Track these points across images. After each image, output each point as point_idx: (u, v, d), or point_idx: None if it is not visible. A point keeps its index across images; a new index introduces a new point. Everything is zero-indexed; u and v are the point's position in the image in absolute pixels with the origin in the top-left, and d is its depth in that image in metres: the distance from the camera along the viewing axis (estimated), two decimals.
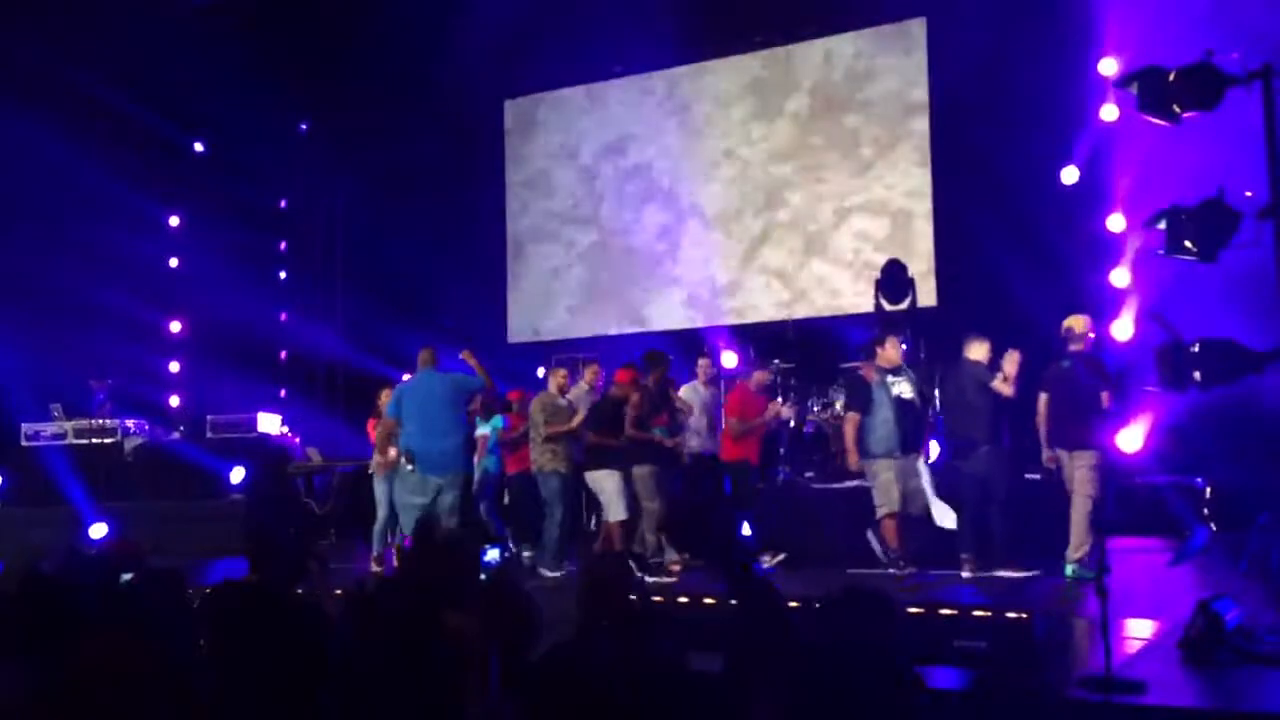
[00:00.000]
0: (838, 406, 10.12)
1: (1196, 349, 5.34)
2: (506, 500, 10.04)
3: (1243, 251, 5.70)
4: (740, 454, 8.84)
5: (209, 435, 11.90)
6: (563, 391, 8.94)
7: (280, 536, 5.62)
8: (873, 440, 7.85)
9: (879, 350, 8.14)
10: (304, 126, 14.23)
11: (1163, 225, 5.70)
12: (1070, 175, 10.28)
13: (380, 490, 9.15)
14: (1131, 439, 8.66)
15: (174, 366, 13.24)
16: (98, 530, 9.77)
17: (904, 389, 8.04)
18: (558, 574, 8.29)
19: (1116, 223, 9.92)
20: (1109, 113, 10.03)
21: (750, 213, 12.76)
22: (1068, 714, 4.60)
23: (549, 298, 13.68)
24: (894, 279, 10.39)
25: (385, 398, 9.12)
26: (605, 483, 8.44)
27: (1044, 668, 5.03)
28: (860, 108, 12.30)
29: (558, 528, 8.55)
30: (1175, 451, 7.81)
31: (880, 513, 7.70)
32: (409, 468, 8.09)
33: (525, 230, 13.97)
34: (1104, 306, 9.57)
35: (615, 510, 8.46)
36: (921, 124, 12.00)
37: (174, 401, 12.19)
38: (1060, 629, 5.60)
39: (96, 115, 12.23)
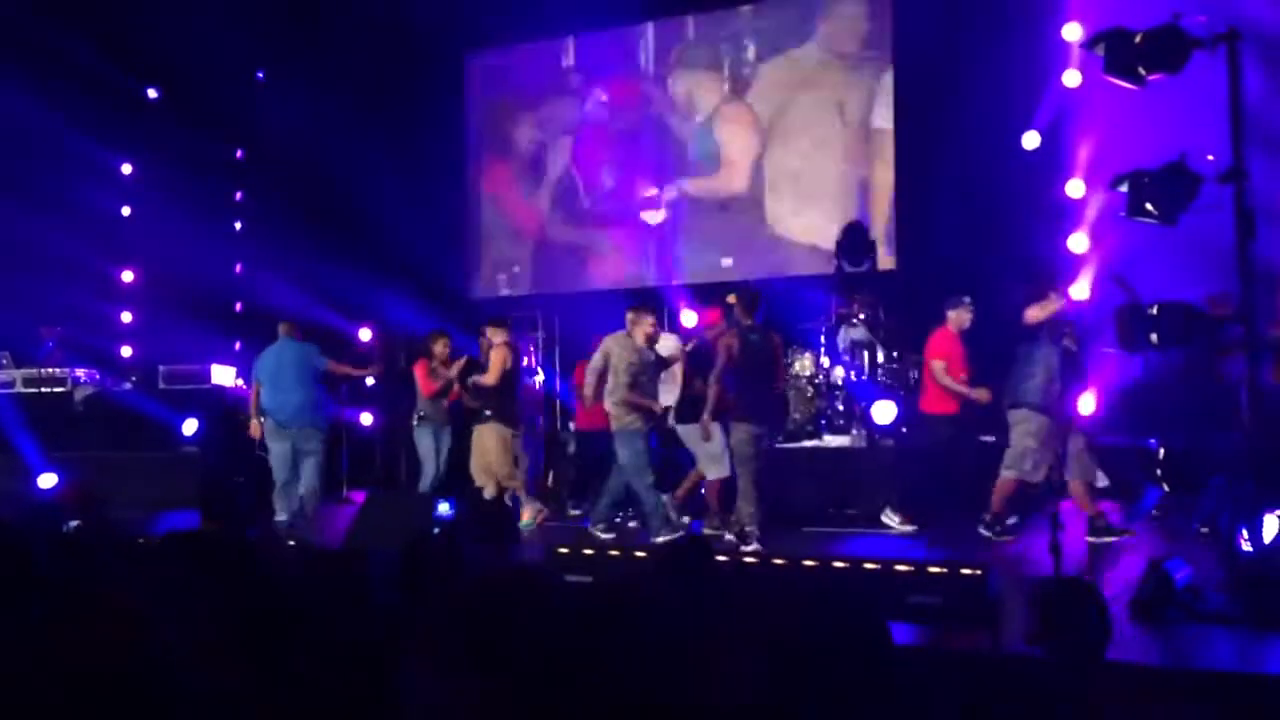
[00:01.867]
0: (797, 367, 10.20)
1: (1154, 311, 5.39)
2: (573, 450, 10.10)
3: (1203, 216, 5.76)
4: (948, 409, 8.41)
5: (161, 386, 11.73)
6: (650, 341, 8.36)
7: (233, 487, 5.61)
8: None
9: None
10: (261, 75, 13.98)
11: (1125, 188, 5.73)
12: (1031, 140, 10.31)
13: (426, 445, 9.53)
14: (1087, 401, 8.77)
15: (126, 316, 13.02)
16: (47, 480, 9.62)
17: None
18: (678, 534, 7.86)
19: (1076, 188, 9.97)
20: (1071, 78, 10.06)
21: (708, 171, 12.71)
22: (1019, 669, 4.66)
23: (510, 255, 13.59)
24: (854, 241, 10.42)
25: (440, 346, 9.56)
26: (706, 437, 7.95)
27: (997, 624, 5.08)
28: (821, 69, 12.25)
29: (653, 492, 8.05)
30: (1129, 413, 7.91)
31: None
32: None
33: (486, 185, 13.86)
34: (1062, 271, 9.65)
35: (718, 467, 8.16)
36: (885, 87, 11.98)
37: (126, 352, 11.99)
38: (1015, 586, 5.67)
39: (47, 60, 11.93)
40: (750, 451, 7.61)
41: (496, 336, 9.31)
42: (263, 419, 9.03)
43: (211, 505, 5.13)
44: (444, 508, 7.62)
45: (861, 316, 9.95)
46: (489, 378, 9.10)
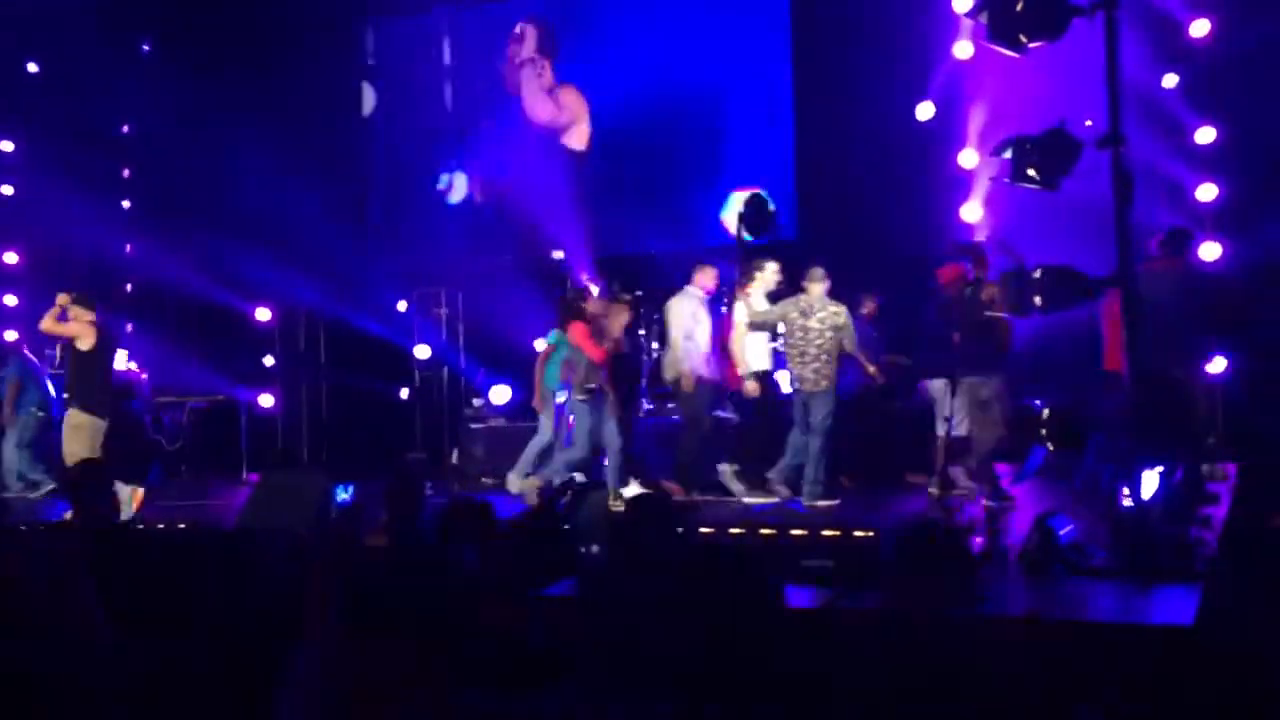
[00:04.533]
0: None
1: (1038, 275, 5.51)
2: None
3: (1082, 180, 5.90)
4: None
5: (50, 371, 11.36)
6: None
7: (101, 475, 5.42)
8: None
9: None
10: (146, 47, 13.56)
11: (1008, 154, 5.84)
12: (925, 111, 10.45)
13: (585, 423, 8.77)
14: None
15: (11, 300, 12.59)
16: None
17: None
18: (834, 501, 7.89)
19: (969, 158, 10.16)
20: (963, 50, 10.22)
21: (617, 144, 12.64)
22: (909, 627, 4.75)
23: (412, 230, 13.38)
24: (755, 212, 10.47)
25: (593, 304, 9.05)
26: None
27: (888, 585, 5.17)
28: (718, 38, 12.25)
29: (825, 454, 8.02)
30: (1016, 375, 8.11)
31: None
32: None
33: (384, 159, 13.62)
34: (956, 240, 9.83)
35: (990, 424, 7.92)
36: (781, 59, 12.03)
37: (10, 336, 11.57)
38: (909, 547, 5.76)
39: None
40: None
41: (602, 306, 9.01)
42: None
43: (82, 494, 4.97)
44: (343, 493, 7.52)
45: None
46: (600, 352, 8.60)
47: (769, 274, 8.63)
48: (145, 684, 2.73)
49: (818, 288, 8.28)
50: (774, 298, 8.77)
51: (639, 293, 10.74)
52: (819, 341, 8.06)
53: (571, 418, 8.65)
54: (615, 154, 12.53)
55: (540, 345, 11.58)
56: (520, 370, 11.46)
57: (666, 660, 2.13)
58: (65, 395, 8.78)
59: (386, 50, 13.75)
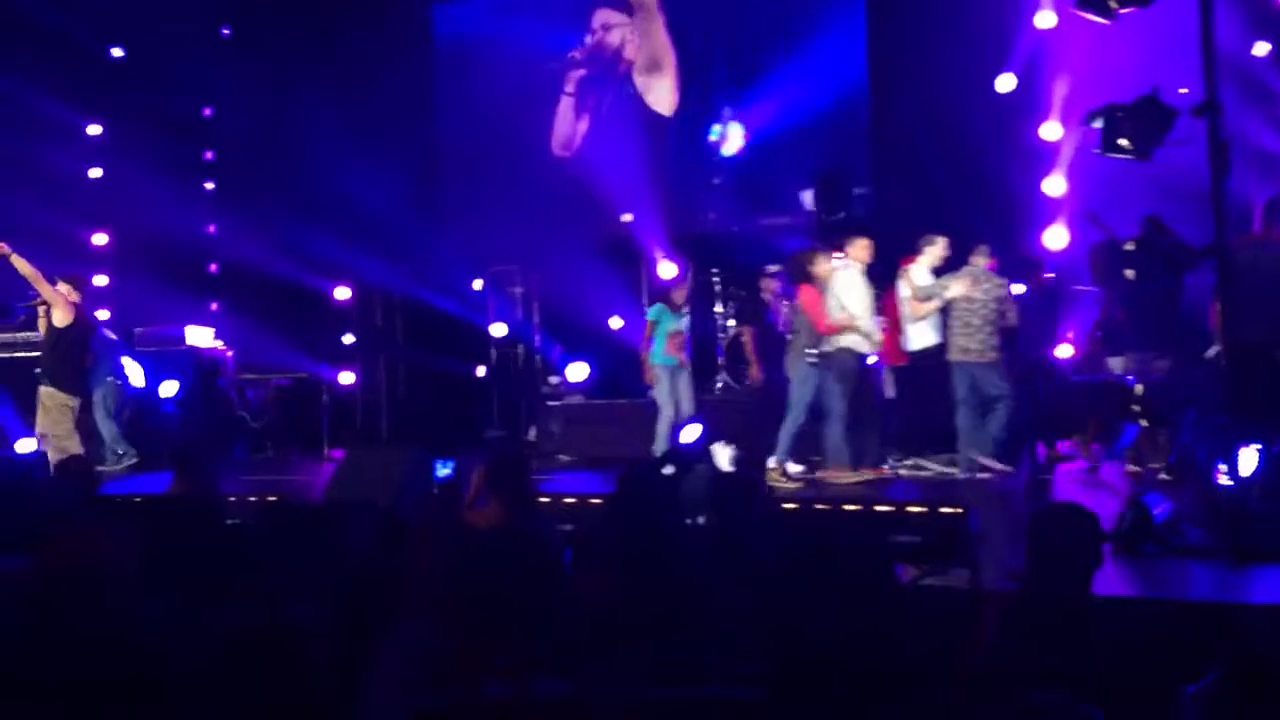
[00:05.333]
0: None
1: (1130, 247, 5.40)
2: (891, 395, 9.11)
3: (1176, 150, 5.77)
4: None
5: (137, 349, 11.64)
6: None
7: (204, 449, 5.58)
8: None
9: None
10: (226, 31, 13.77)
11: (1099, 124, 5.72)
12: (1006, 83, 10.27)
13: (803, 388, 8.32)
14: (1065, 346, 8.87)
15: (100, 280, 12.90)
16: (25, 445, 9.56)
17: None
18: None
19: (1051, 130, 9.97)
20: (1045, 19, 10.02)
21: (692, 118, 12.58)
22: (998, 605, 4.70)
23: (484, 214, 13.44)
24: (830, 188, 10.41)
25: (821, 265, 8.38)
26: None
27: (978, 561, 5.13)
28: (795, 12, 12.13)
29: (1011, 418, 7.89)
30: (1106, 350, 7.97)
31: None
32: None
33: (456, 141, 13.69)
34: (1037, 215, 9.68)
35: None
36: (857, 33, 11.88)
37: (103, 315, 11.86)
38: (996, 524, 5.71)
39: (7, 23, 11.71)
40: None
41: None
42: None
43: (185, 466, 5.13)
44: (444, 469, 7.59)
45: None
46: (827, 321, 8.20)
47: (938, 249, 8.53)
48: (240, 656, 2.78)
49: (982, 260, 8.28)
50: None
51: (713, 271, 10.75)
52: (983, 312, 8.02)
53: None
54: (692, 124, 12.48)
55: (617, 323, 11.66)
56: (597, 347, 11.52)
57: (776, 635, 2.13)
58: (38, 370, 8.90)
59: (457, 25, 13.80)
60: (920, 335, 8.57)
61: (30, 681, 2.57)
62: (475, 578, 3.13)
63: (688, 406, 8.98)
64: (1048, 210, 9.65)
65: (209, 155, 13.95)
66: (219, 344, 11.96)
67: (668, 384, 9.01)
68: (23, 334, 11.18)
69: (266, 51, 12.82)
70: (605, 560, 2.92)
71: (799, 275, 8.27)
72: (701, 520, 3.15)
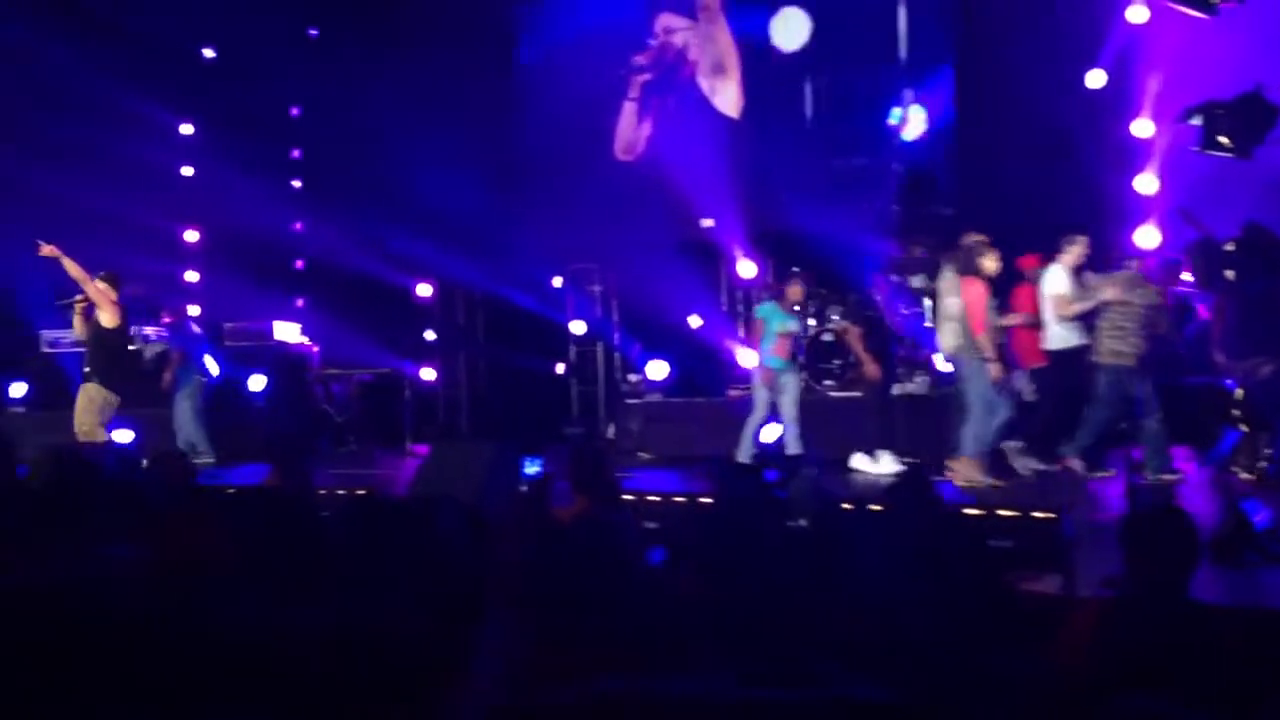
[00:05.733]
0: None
1: (1230, 247, 5.27)
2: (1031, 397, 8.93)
3: (1276, 149, 5.62)
4: None
5: (225, 343, 11.90)
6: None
7: (299, 443, 5.70)
8: None
9: None
10: (313, 33, 14.01)
11: (1197, 121, 5.59)
12: (1096, 79, 10.08)
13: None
14: None
15: (191, 275, 13.22)
16: (122, 435, 9.81)
17: None
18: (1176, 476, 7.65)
19: (1142, 127, 9.77)
20: (1137, 14, 9.82)
21: (774, 115, 12.50)
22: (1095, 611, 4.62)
23: (563, 213, 13.49)
24: (914, 184, 10.32)
25: (991, 261, 8.13)
26: None
27: (1073, 567, 5.04)
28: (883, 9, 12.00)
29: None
30: (1204, 353, 7.78)
31: None
32: None
33: (536, 140, 13.75)
34: (1128, 213, 9.49)
35: None
36: (943, 24, 11.72)
37: (193, 310, 12.15)
38: (1090, 529, 5.61)
39: (105, 24, 12.04)
40: None
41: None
42: None
43: (280, 459, 5.25)
44: (532, 467, 7.64)
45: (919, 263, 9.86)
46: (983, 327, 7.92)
47: (1079, 248, 8.40)
48: (333, 651, 2.81)
49: (1136, 261, 8.17)
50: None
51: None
52: (1137, 317, 7.88)
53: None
54: (765, 124, 12.40)
55: (695, 322, 11.64)
56: (675, 346, 11.52)
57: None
58: (85, 369, 8.95)
59: (536, 26, 13.87)
60: (1064, 335, 8.41)
61: (140, 670, 2.62)
62: (555, 571, 3.15)
63: (791, 409, 8.73)
64: (1139, 208, 9.46)
65: (296, 154, 14.22)
66: (305, 340, 12.17)
67: (768, 385, 8.86)
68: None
69: (352, 52, 13.01)
70: (703, 560, 2.92)
71: (967, 268, 8.00)
72: (804, 524, 3.13)
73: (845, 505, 3.60)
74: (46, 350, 11.62)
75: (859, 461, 8.72)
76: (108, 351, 8.86)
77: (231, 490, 7.35)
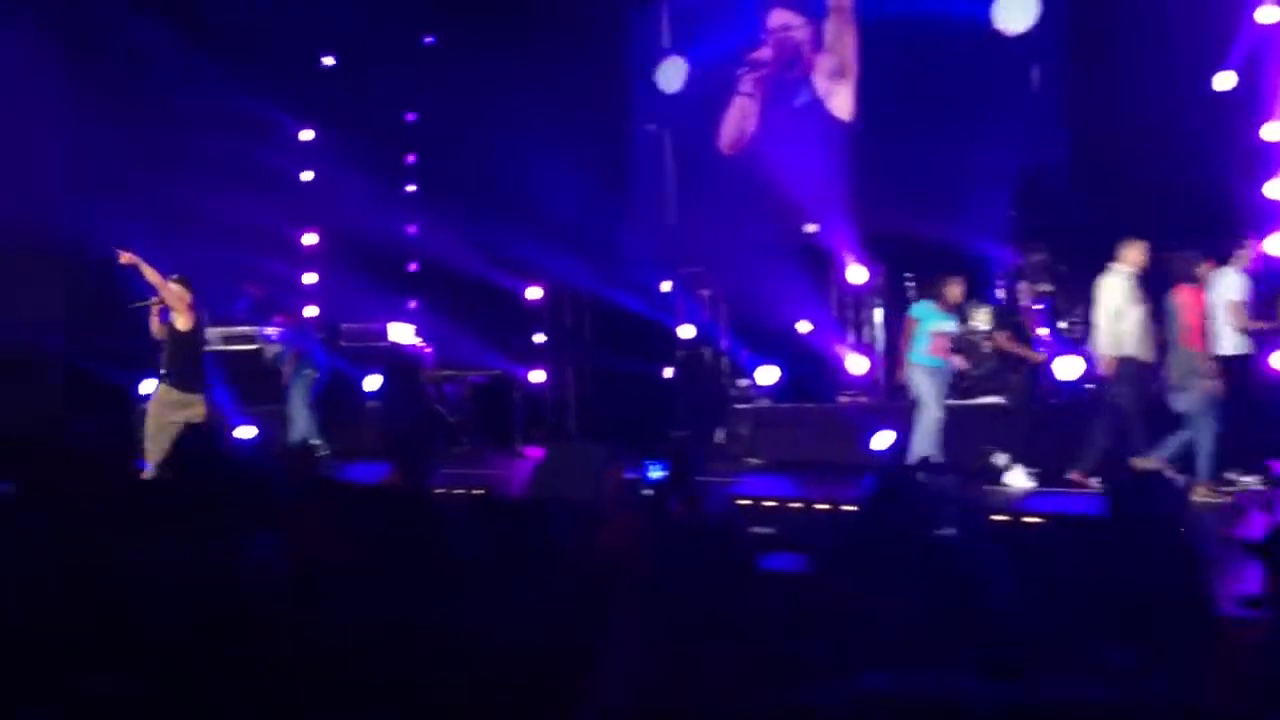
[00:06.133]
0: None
1: None
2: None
3: None
4: None
5: (342, 343, 12.20)
6: None
7: (417, 442, 5.82)
8: None
9: None
10: (429, 40, 14.28)
11: None
12: (1225, 81, 9.79)
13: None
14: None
15: (310, 278, 13.57)
16: (245, 432, 10.11)
17: None
18: None
19: (1274, 131, 9.46)
20: (1268, 14, 9.53)
21: (881, 118, 12.36)
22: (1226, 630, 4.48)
23: (673, 216, 13.52)
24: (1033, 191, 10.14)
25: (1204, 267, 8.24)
26: None
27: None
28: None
29: None
30: None
31: None
32: None
33: (647, 143, 13.81)
34: (1258, 219, 9.20)
35: None
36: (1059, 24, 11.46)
37: (312, 312, 12.49)
38: (1222, 548, 5.44)
39: (230, 34, 12.43)
40: None
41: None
42: None
43: (400, 458, 5.37)
44: (655, 471, 7.63)
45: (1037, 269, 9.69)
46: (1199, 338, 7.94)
47: (1248, 253, 8.23)
48: (458, 648, 2.85)
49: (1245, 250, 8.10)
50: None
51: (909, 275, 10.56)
52: None
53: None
54: (879, 125, 12.24)
55: (804, 327, 11.57)
56: (785, 351, 11.48)
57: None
58: (161, 372, 9.06)
59: (648, 28, 13.93)
60: (1236, 341, 8.16)
61: (273, 657, 2.68)
62: (676, 572, 3.18)
63: (938, 412, 8.60)
64: (1269, 215, 9.16)
65: (411, 159, 14.52)
66: (419, 341, 12.41)
67: (930, 383, 8.67)
68: (240, 328, 11.88)
69: (466, 58, 13.23)
70: (854, 565, 2.91)
71: (1183, 277, 7.92)
72: (951, 532, 3.10)
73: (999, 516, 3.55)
74: None
75: (1013, 475, 8.43)
76: (182, 353, 8.99)
77: (357, 487, 7.55)
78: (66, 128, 12.21)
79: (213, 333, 11.84)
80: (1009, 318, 9.77)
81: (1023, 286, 9.74)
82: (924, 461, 7.07)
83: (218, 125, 12.37)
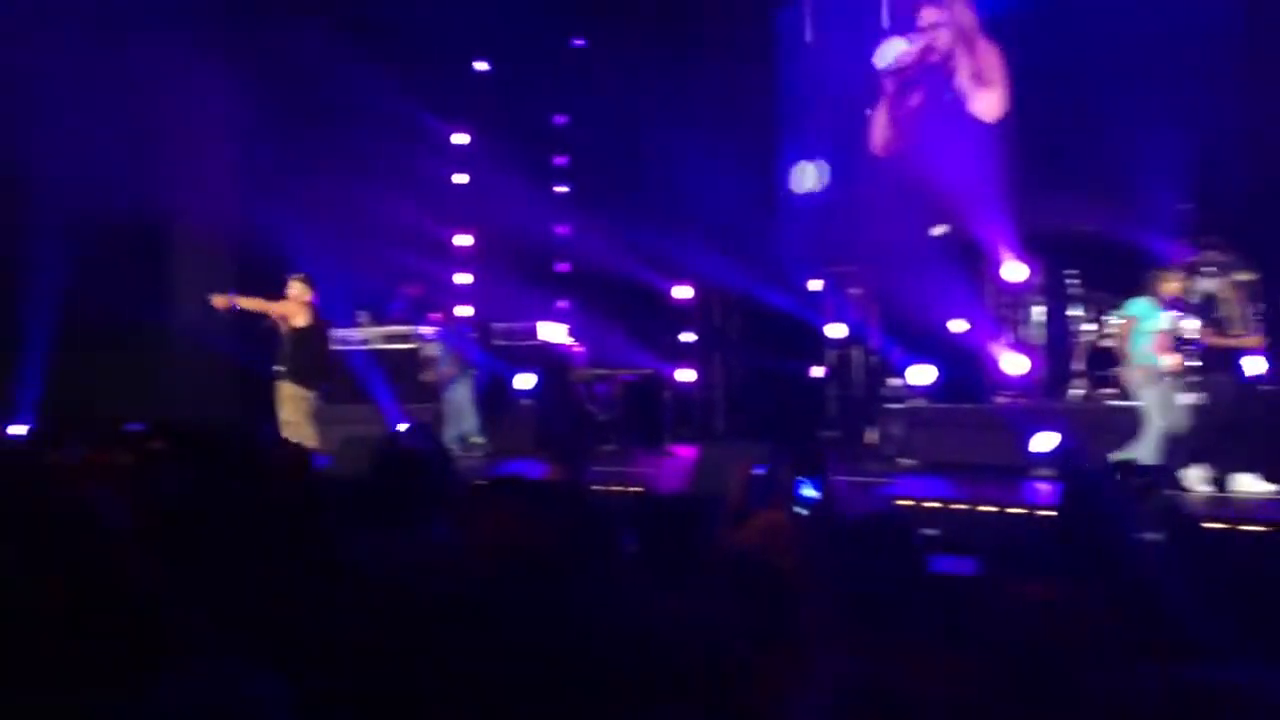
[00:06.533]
0: None
1: None
2: None
3: None
4: None
5: (495, 343, 12.42)
6: None
7: (571, 439, 5.90)
8: None
9: None
10: (579, 42, 14.44)
11: None
12: None
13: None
14: None
15: (464, 278, 13.86)
16: (402, 429, 10.36)
17: None
18: None
19: None
20: None
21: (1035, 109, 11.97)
22: None
23: (823, 215, 13.35)
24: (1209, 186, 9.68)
25: None
26: None
27: None
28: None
29: None
30: None
31: None
32: None
33: (797, 141, 13.68)
34: None
35: None
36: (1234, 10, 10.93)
37: (466, 312, 12.76)
38: None
39: (386, 40, 12.76)
40: None
41: None
42: None
43: (556, 455, 5.45)
44: (809, 491, 7.51)
45: (1213, 265, 9.22)
46: None
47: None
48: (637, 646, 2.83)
49: None
50: None
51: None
52: None
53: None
54: (1034, 119, 11.84)
55: (959, 326, 11.30)
56: (939, 350, 11.23)
57: None
58: (279, 368, 9.18)
59: (798, 27, 13.80)
60: None
61: (465, 650, 2.70)
62: (850, 573, 3.13)
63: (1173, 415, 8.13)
64: None
65: (561, 160, 14.71)
66: (570, 341, 12.56)
67: (1155, 389, 8.18)
68: (397, 327, 12.20)
69: (616, 60, 13.33)
70: (1045, 568, 2.81)
71: None
72: (1158, 537, 2.95)
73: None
74: (337, 348, 12.33)
75: (1244, 481, 8.00)
76: (301, 349, 9.19)
77: (525, 481, 7.67)
78: (234, 131, 12.75)
79: (372, 332, 12.25)
80: (1208, 313, 9.33)
81: (1201, 281, 9.29)
82: (1126, 464, 6.77)
83: (375, 128, 12.74)
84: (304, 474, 3.95)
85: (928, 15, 12.50)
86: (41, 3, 11.16)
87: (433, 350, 11.73)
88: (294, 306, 9.15)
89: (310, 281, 9.35)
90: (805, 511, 5.03)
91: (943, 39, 12.39)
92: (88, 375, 10.94)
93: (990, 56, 12.05)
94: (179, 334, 11.99)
